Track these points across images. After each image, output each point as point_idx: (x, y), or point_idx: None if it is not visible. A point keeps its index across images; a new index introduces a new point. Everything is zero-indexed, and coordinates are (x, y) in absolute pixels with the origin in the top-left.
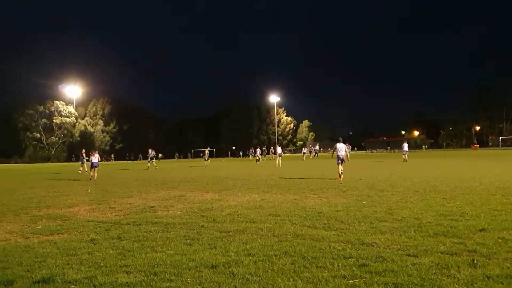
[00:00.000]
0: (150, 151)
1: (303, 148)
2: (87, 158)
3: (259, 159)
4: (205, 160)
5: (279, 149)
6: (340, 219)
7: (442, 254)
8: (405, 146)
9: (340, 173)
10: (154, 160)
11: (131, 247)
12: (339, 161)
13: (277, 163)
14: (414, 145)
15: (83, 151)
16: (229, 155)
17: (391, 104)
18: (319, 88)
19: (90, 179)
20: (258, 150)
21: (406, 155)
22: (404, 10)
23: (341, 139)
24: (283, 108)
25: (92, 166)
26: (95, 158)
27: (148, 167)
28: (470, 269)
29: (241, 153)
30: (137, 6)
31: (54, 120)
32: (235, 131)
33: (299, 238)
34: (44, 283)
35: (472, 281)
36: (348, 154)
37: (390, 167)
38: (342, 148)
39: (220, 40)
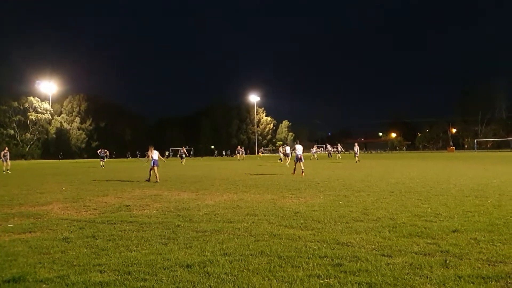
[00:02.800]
0: (100, 150)
1: (313, 148)
2: (144, 155)
3: (282, 159)
4: (181, 158)
5: (287, 149)
6: (316, 218)
7: (415, 254)
8: (356, 147)
9: (300, 169)
10: (105, 160)
11: (105, 246)
12: (297, 159)
13: (287, 163)
14: (391, 147)
15: (6, 149)
16: (215, 154)
17: (370, 106)
18: (299, 89)
19: (156, 181)
20: (281, 149)
21: (357, 157)
22: (381, 13)
23: (298, 141)
24: (262, 108)
25: (154, 164)
26: (155, 154)
27: (102, 165)
28: (442, 269)
29: (228, 152)
30: (116, 0)
31: (29, 117)
32: (215, 131)
33: (276, 238)
34: (15, 282)
35: (444, 281)
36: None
37: (367, 168)
38: (300, 148)
39: (202, 39)
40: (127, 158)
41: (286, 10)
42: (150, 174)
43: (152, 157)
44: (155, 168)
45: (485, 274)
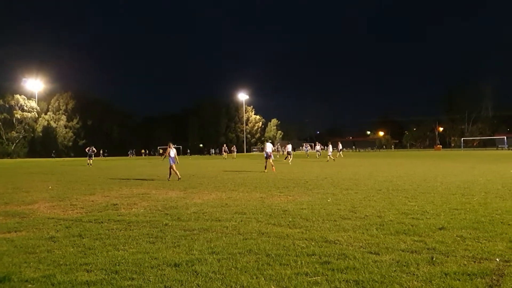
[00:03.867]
0: (88, 148)
1: (317, 145)
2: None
3: (286, 157)
4: (161, 156)
5: (289, 147)
6: (304, 217)
7: (402, 252)
8: (330, 147)
9: (269, 166)
10: (92, 158)
11: (92, 245)
12: (266, 157)
13: (290, 161)
14: (379, 145)
15: None
16: (211, 152)
17: (359, 104)
18: (288, 87)
19: (170, 178)
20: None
21: (331, 155)
22: (372, 10)
23: (269, 140)
24: (251, 106)
25: (172, 161)
26: (173, 152)
27: (89, 164)
28: (429, 266)
29: (217, 150)
30: None
31: (15, 115)
32: (203, 129)
33: (264, 236)
34: (0, 282)
35: (430, 278)
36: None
37: (355, 166)
38: (269, 146)
39: (190, 39)
40: (129, 156)
41: (283, 9)
42: (170, 172)
43: (169, 154)
44: (173, 165)
45: (471, 271)
